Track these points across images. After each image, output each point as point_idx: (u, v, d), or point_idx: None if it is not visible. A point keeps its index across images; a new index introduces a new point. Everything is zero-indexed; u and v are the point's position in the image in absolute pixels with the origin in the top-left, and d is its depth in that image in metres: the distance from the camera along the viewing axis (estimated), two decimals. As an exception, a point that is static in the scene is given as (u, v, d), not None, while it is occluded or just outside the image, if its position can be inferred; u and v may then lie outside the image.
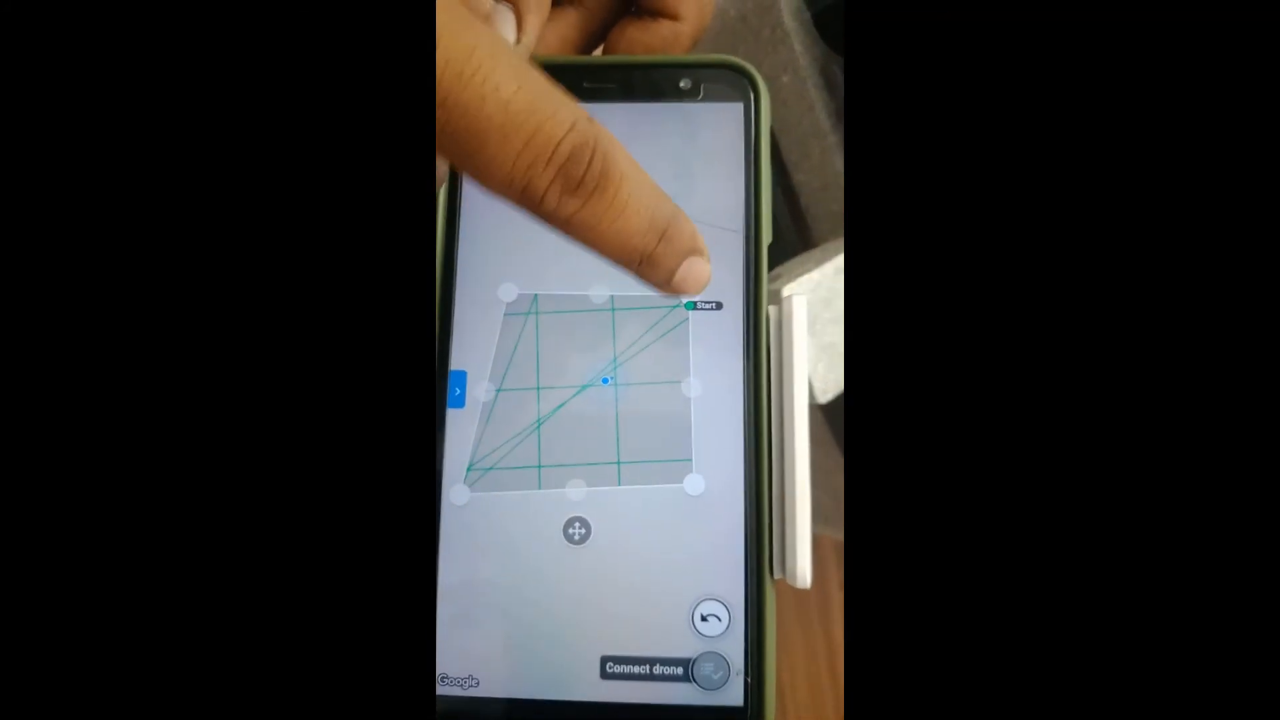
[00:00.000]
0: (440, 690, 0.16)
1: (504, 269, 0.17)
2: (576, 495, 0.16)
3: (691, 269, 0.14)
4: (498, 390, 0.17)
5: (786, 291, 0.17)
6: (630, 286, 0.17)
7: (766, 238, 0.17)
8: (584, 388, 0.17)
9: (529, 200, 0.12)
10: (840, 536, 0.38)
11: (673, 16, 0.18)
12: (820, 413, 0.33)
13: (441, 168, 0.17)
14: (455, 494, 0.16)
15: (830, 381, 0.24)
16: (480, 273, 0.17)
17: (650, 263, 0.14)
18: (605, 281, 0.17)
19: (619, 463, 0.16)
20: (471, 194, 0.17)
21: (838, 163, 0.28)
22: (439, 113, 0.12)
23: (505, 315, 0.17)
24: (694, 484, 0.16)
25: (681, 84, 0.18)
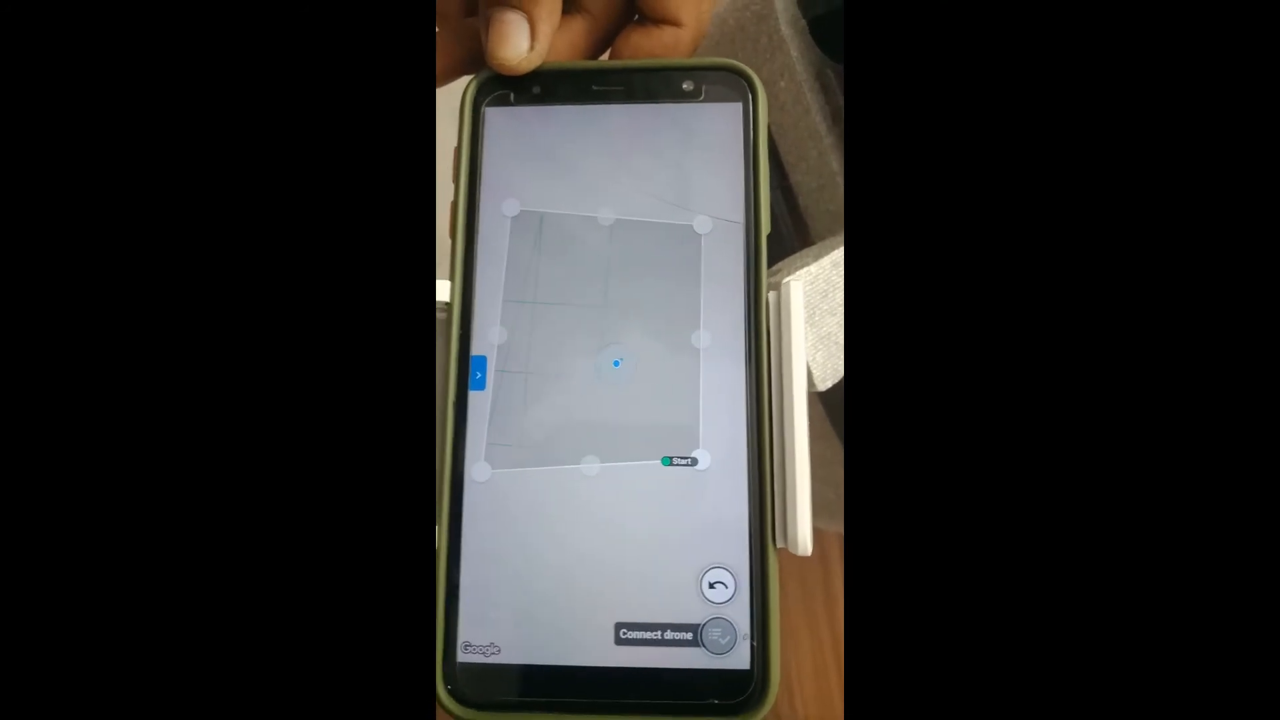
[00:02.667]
0: (462, 657, 0.17)
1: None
2: (591, 470, 0.17)
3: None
4: (515, 372, 0.18)
5: (787, 280, 0.18)
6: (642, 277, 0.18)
7: (765, 228, 0.18)
8: (597, 369, 0.18)
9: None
10: (841, 529, 0.38)
11: (674, 23, 0.19)
12: (820, 404, 0.33)
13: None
14: (477, 471, 0.17)
15: (829, 370, 0.25)
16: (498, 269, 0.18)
17: None
18: (611, 278, 0.18)
19: (630, 439, 0.17)
20: (489, 203, 0.19)
21: (834, 163, 0.29)
22: None
23: (512, 302, 0.18)
24: (701, 459, 0.17)
25: (684, 86, 0.19)
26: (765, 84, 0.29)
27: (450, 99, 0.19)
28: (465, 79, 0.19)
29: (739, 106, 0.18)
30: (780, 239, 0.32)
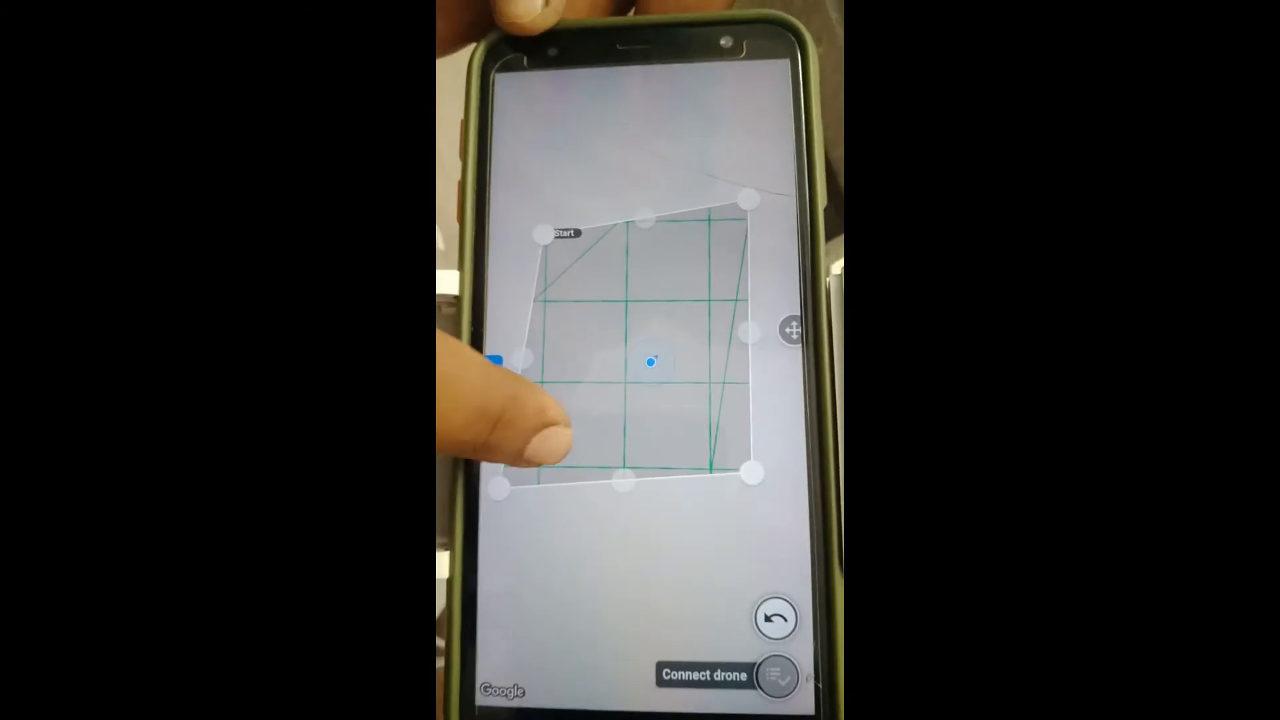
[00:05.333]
0: (483, 700, 0.15)
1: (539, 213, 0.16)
2: (624, 486, 0.15)
3: (545, 443, 0.14)
4: (534, 373, 0.16)
5: (838, 268, 0.16)
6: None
7: (822, 201, 0.16)
8: (628, 369, 0.16)
9: None
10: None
11: (710, -30, 0.16)
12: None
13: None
14: (494, 488, 0.15)
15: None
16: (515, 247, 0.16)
17: (488, 449, 0.13)
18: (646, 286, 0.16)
19: (668, 449, 0.15)
20: (501, 182, 0.16)
21: (878, 136, 0.27)
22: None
23: (529, 293, 0.16)
24: (752, 472, 0.15)
25: (722, 42, 0.16)
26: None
27: (456, 68, 0.17)
28: (472, 45, 0.17)
29: (786, 64, 0.16)
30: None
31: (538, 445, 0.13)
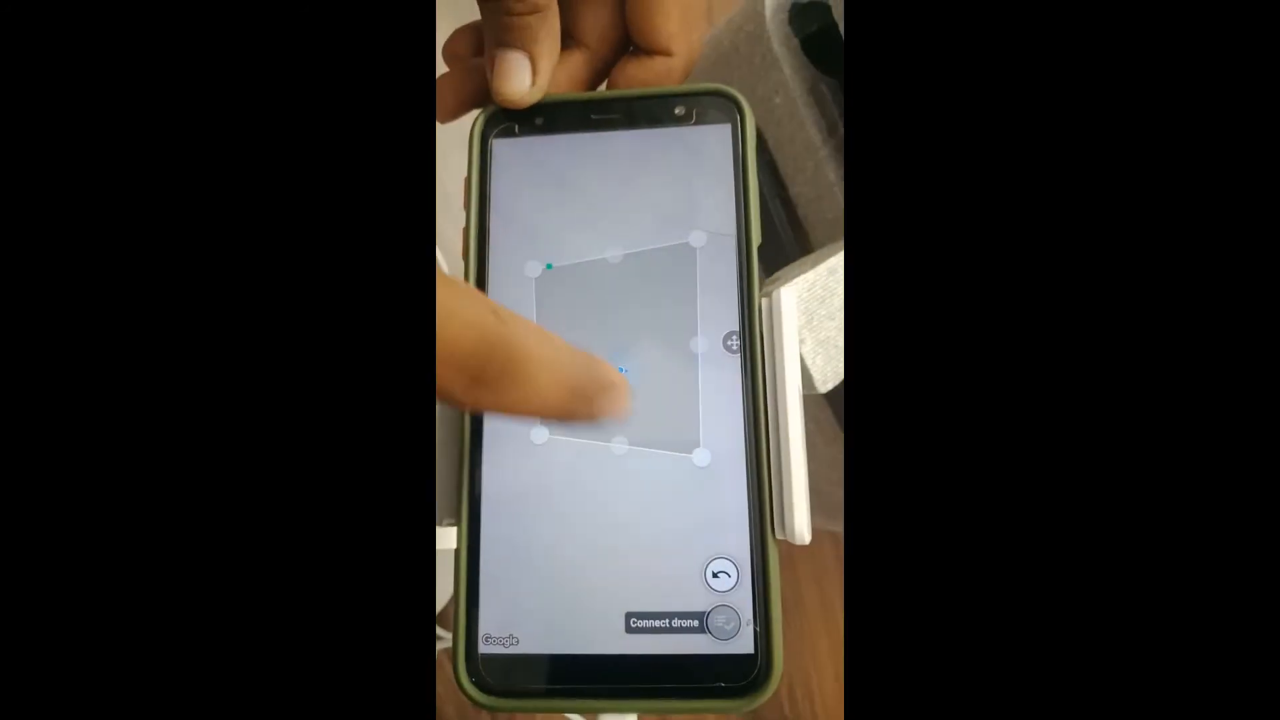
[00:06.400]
0: (484, 649, 0.18)
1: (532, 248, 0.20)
2: (599, 471, 0.18)
3: (612, 406, 0.16)
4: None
5: (778, 288, 0.19)
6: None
7: (756, 239, 0.19)
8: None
9: (441, 395, 0.13)
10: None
11: (665, 53, 0.20)
12: (829, 406, 0.34)
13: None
14: (493, 476, 0.19)
15: (829, 372, 0.26)
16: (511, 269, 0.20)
17: (571, 416, 0.15)
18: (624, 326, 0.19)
19: (634, 439, 0.18)
20: (499, 228, 0.20)
21: (830, 174, 0.30)
22: None
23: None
24: (701, 456, 0.18)
25: (677, 111, 0.20)
26: (760, 101, 0.30)
27: (461, 134, 0.21)
28: (475, 112, 0.21)
29: (728, 127, 0.20)
30: (781, 248, 0.33)
31: (606, 409, 0.15)
